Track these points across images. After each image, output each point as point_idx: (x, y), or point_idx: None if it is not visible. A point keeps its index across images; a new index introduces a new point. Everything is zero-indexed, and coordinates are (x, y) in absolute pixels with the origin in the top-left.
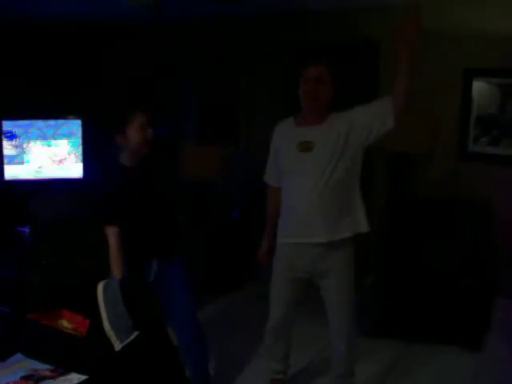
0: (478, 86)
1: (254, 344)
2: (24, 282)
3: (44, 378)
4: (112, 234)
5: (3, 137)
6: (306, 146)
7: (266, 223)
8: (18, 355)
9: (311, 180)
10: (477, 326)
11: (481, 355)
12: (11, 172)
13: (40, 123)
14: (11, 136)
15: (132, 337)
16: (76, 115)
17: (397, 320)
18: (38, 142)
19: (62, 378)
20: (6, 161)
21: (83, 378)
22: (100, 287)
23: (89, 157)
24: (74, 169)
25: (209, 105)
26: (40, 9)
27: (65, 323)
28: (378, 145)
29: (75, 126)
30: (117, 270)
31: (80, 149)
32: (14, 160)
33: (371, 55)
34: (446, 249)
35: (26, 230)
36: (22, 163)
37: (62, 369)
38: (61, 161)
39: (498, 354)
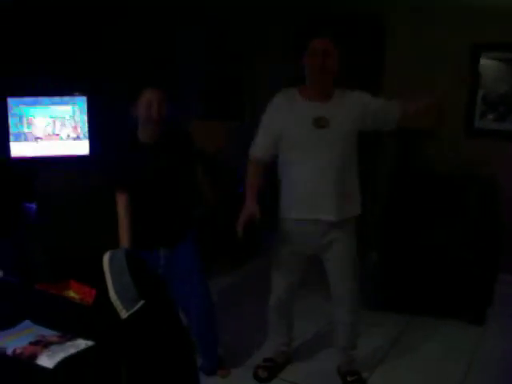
0: (486, 62)
1: (259, 318)
2: (27, 258)
3: (52, 343)
4: (121, 202)
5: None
6: (321, 123)
7: (247, 193)
8: (27, 322)
9: (327, 157)
10: (480, 300)
11: (483, 329)
12: (17, 149)
13: (46, 100)
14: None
15: (138, 306)
16: (82, 92)
17: (400, 294)
18: (44, 119)
19: (70, 343)
20: (11, 138)
21: (90, 343)
22: (106, 257)
23: (95, 134)
24: (80, 146)
25: (213, 80)
26: None
27: (72, 294)
28: None
29: (81, 102)
30: (125, 241)
31: (86, 126)
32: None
33: (376, 30)
34: (451, 224)
35: (33, 206)
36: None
37: (70, 335)
38: (67, 138)
39: (500, 327)
